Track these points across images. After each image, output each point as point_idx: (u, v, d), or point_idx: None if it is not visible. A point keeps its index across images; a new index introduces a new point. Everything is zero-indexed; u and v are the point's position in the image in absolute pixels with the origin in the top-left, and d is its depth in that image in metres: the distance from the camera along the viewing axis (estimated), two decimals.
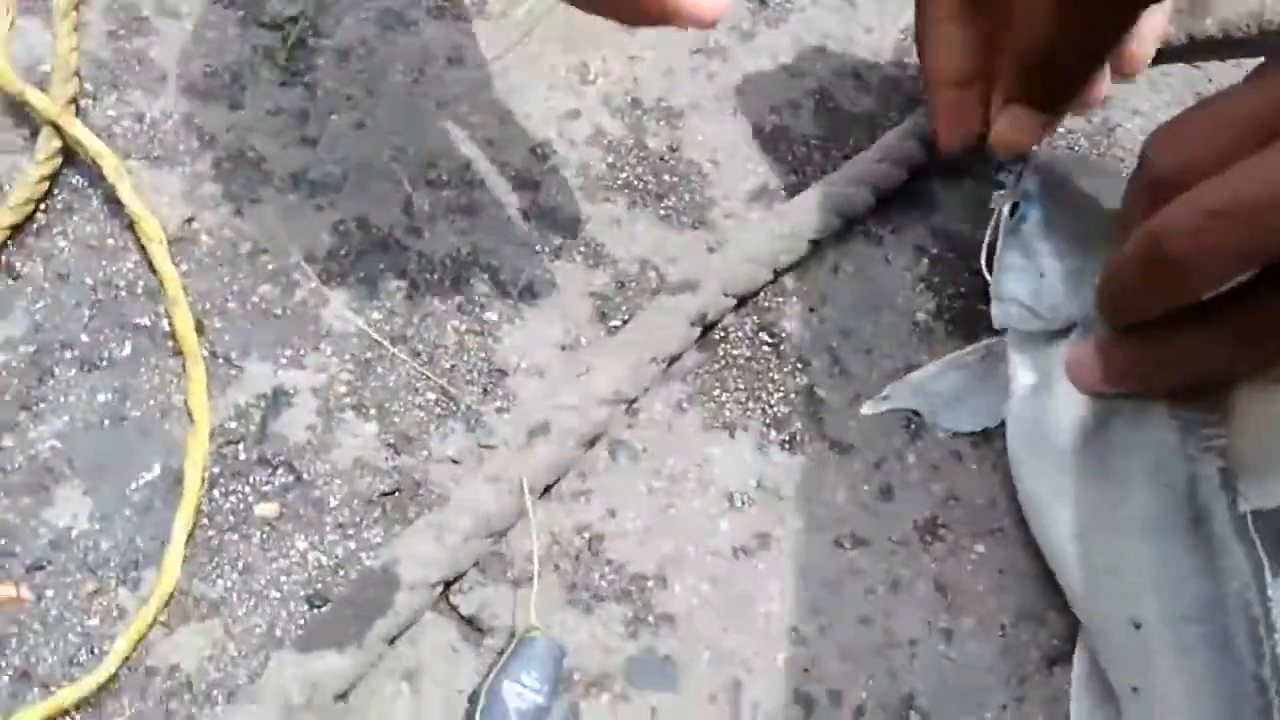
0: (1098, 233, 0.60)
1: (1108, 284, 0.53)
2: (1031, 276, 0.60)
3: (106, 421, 0.53)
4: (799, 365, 0.62)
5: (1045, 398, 0.58)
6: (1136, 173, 0.50)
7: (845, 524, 0.58)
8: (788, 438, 0.60)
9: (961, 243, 0.68)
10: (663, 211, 0.65)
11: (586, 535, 0.55)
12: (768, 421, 0.60)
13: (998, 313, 0.61)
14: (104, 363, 0.54)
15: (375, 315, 0.58)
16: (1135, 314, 0.52)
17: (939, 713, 0.54)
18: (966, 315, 0.65)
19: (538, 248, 0.62)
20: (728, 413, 0.60)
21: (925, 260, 0.67)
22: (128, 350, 0.55)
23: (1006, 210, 0.63)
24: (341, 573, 0.51)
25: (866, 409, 0.61)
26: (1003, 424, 0.61)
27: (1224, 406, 0.54)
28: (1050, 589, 0.58)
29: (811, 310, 0.64)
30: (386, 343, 0.57)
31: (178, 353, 0.54)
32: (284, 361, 0.56)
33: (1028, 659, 0.56)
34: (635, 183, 0.66)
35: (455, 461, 0.55)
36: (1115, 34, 0.50)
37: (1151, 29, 0.58)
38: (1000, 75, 0.56)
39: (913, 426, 0.61)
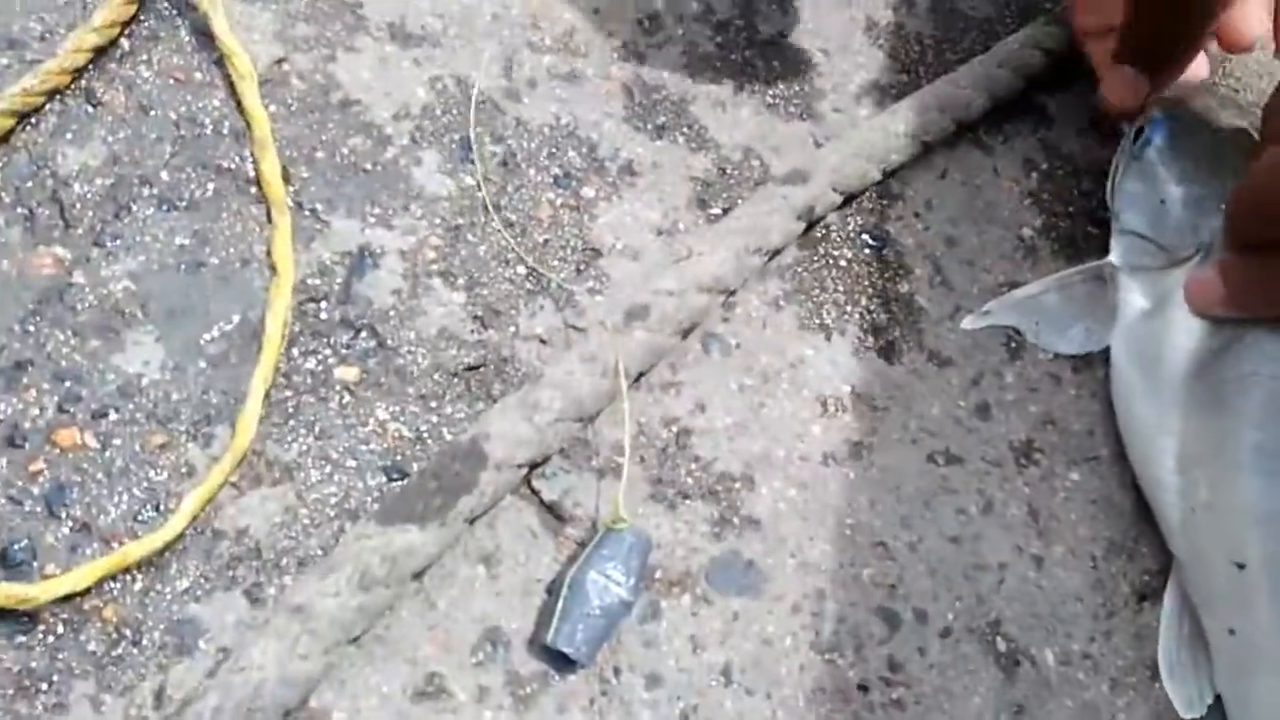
0: (1223, 160, 0.52)
1: (1240, 200, 0.46)
2: (1152, 204, 0.52)
3: (183, 266, 0.45)
4: (900, 271, 0.54)
5: (1157, 325, 0.50)
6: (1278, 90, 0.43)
7: (939, 439, 0.51)
8: (885, 345, 0.52)
9: (1073, 161, 0.59)
10: (770, 99, 0.56)
11: (674, 429, 0.48)
12: (865, 327, 0.52)
13: (1116, 246, 0.53)
14: (184, 203, 0.46)
15: (468, 180, 0.50)
16: (1266, 229, 0.45)
17: (1025, 639, 0.47)
18: (1074, 235, 0.57)
19: (639, 125, 0.53)
20: (825, 314, 0.52)
21: (1035, 175, 0.58)
22: (210, 192, 0.47)
23: (1131, 135, 0.54)
24: (421, 446, 0.44)
25: (968, 323, 0.53)
26: (1105, 350, 0.53)
27: None
28: (1144, 522, 0.51)
29: (917, 216, 0.55)
30: (481, 210, 0.49)
31: (262, 200, 0.46)
32: (372, 220, 0.47)
33: (1117, 592, 0.49)
34: (744, 66, 0.56)
35: (543, 341, 0.47)
36: (1209, 14, 0.47)
37: (1256, 9, 0.51)
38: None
39: (1013, 345, 0.53)
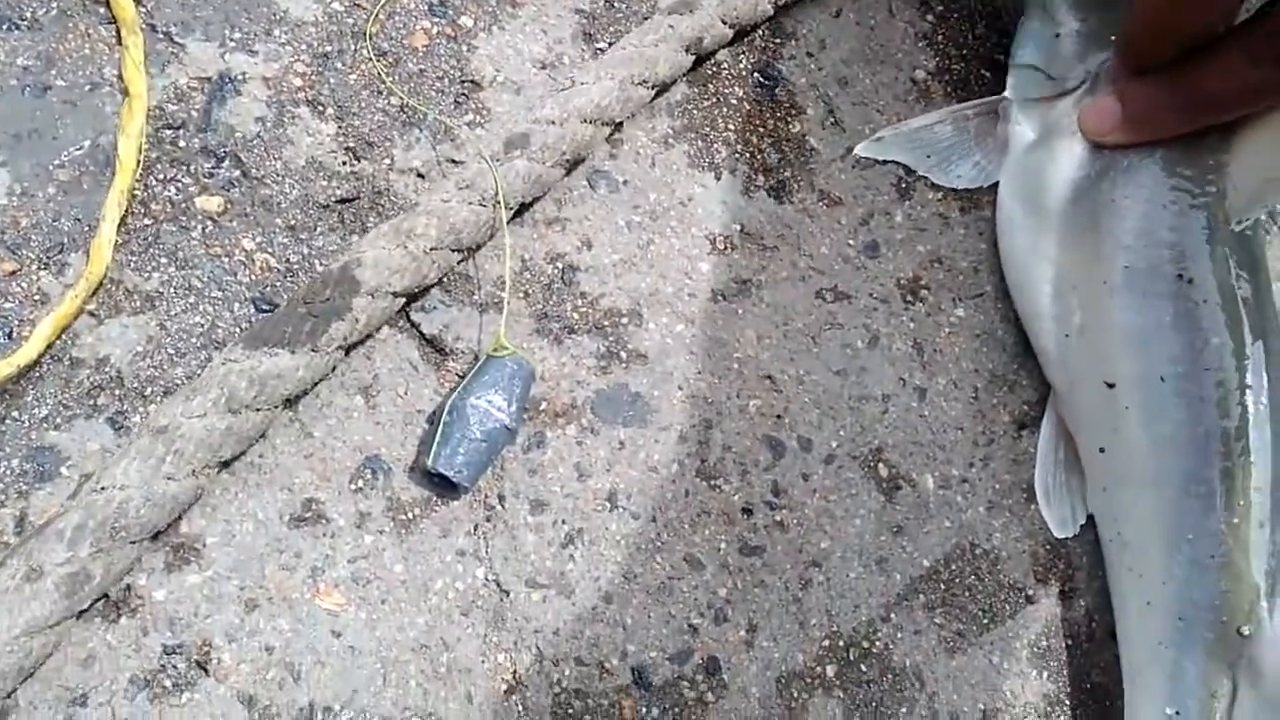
0: None
1: (1133, 23, 0.47)
2: (1048, 37, 0.53)
3: (28, 89, 0.43)
4: (793, 111, 0.54)
5: (1041, 155, 0.52)
6: None
7: (828, 277, 0.52)
8: (776, 184, 0.53)
9: (969, 3, 0.60)
10: None
11: (560, 265, 0.48)
12: (756, 166, 0.53)
13: (1010, 80, 0.54)
14: (25, 22, 0.44)
15: (336, 5, 0.48)
16: (1160, 48, 0.46)
17: (906, 465, 0.50)
18: (967, 78, 0.58)
19: None
20: (715, 153, 0.52)
21: (930, 17, 0.59)
22: (54, 10, 0.45)
23: None
24: (291, 278, 0.43)
25: (861, 149, 0.54)
26: (993, 191, 0.55)
27: (1220, 157, 0.48)
28: (1025, 356, 0.53)
29: (810, 55, 0.56)
30: (351, 37, 0.47)
31: (111, 20, 0.44)
32: (232, 44, 0.46)
33: (997, 421, 0.52)
34: None
35: (420, 175, 0.47)
36: None
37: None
38: None
39: (903, 185, 0.55)
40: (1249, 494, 0.46)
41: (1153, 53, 0.47)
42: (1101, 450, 0.49)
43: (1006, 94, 0.54)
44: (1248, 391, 0.47)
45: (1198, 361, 0.47)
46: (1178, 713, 0.46)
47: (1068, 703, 0.48)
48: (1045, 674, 0.48)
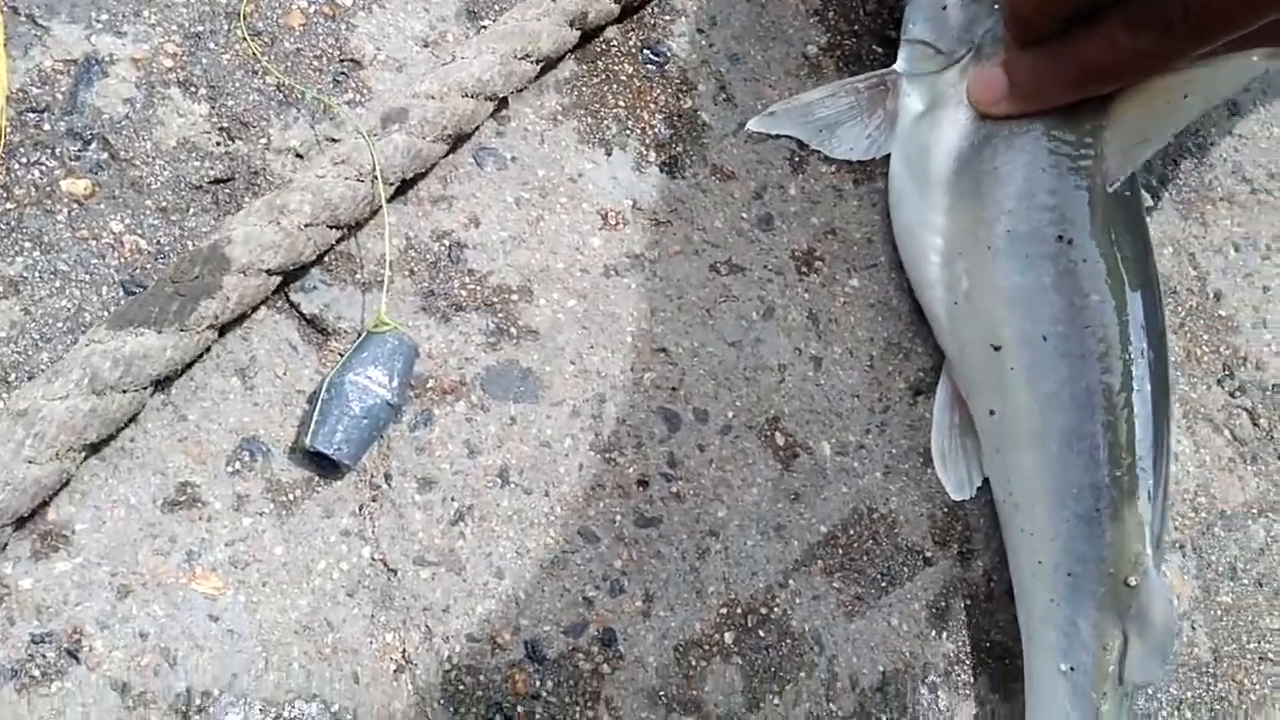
0: None
1: None
2: (935, 10, 0.54)
3: None
4: (684, 87, 0.55)
5: (928, 125, 0.53)
6: None
7: (722, 250, 0.53)
8: (668, 160, 0.53)
9: None
10: None
11: (446, 242, 0.48)
12: (648, 142, 0.53)
13: (901, 54, 0.55)
14: None
15: None
16: (1044, 20, 0.47)
17: (803, 433, 0.50)
18: (859, 53, 0.59)
19: None
20: (606, 129, 0.53)
21: None
22: None
23: None
24: (163, 260, 0.43)
25: (753, 124, 0.55)
26: (886, 160, 0.56)
27: (1097, 123, 0.50)
28: (919, 324, 0.54)
29: (700, 32, 0.56)
30: (223, 16, 0.47)
31: None
32: (98, 25, 0.45)
33: (893, 388, 0.53)
34: None
35: (299, 155, 0.47)
36: None
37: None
38: None
39: (796, 159, 0.56)
40: (1131, 447, 0.47)
41: (1038, 25, 0.48)
42: (992, 413, 0.50)
43: (896, 67, 0.55)
44: (1128, 347, 0.48)
45: (1078, 320, 0.48)
46: (1073, 668, 0.47)
47: (967, 662, 0.49)
48: (945, 634, 0.49)
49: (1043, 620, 0.48)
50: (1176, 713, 0.53)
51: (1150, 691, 0.52)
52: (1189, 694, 0.53)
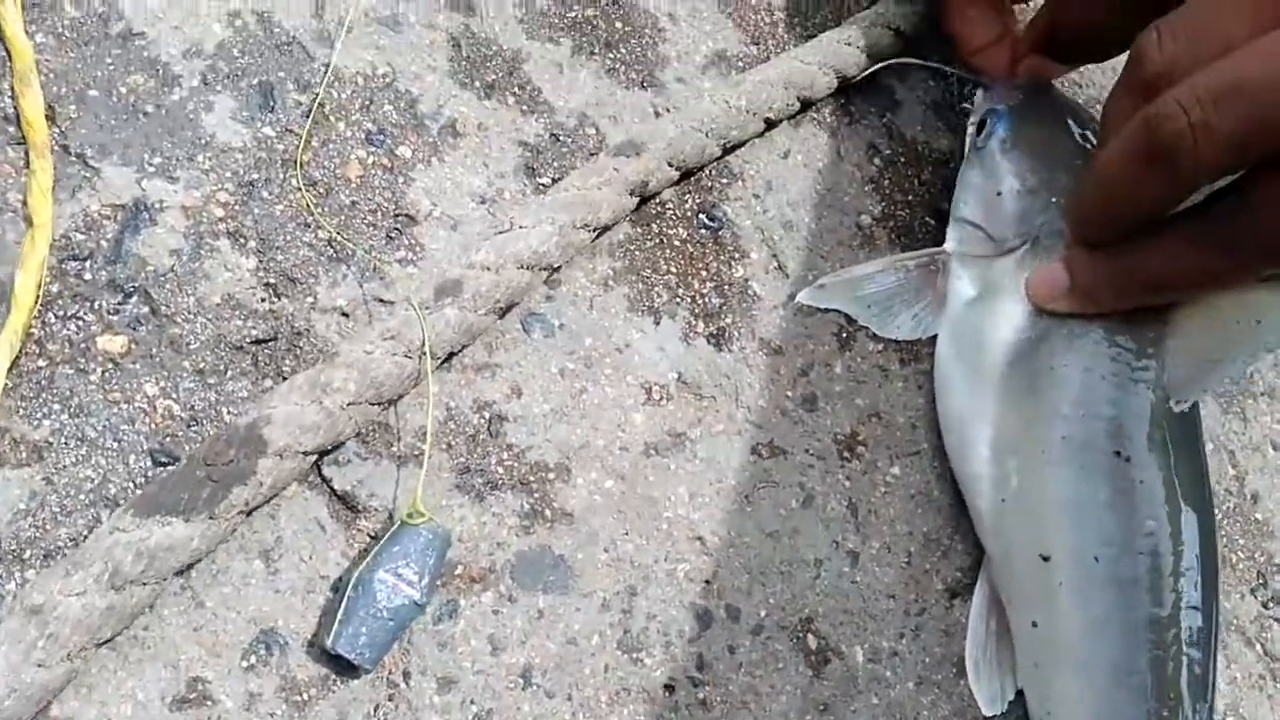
0: (1062, 156, 0.54)
1: (1089, 186, 0.47)
2: (988, 195, 0.54)
3: None
4: (736, 255, 0.54)
5: (980, 313, 0.52)
6: (1127, 69, 0.45)
7: (765, 431, 0.51)
8: (716, 331, 0.52)
9: (916, 148, 0.60)
10: (610, 63, 0.55)
11: (487, 414, 0.47)
12: (697, 311, 0.52)
13: (951, 234, 0.55)
14: None
15: (268, 131, 0.47)
16: (1115, 219, 0.46)
17: (836, 636, 0.49)
18: (911, 225, 0.58)
19: (465, 81, 0.51)
20: (656, 296, 0.52)
21: (878, 160, 0.59)
22: None
23: (974, 127, 0.56)
24: (196, 428, 0.41)
25: (802, 296, 0.54)
26: (933, 342, 0.55)
27: (1160, 331, 0.49)
28: (959, 519, 0.53)
29: (756, 197, 0.55)
30: (280, 165, 0.46)
31: (20, 141, 0.42)
32: (151, 169, 0.44)
33: (930, 588, 0.51)
34: (583, 25, 0.55)
35: (345, 314, 0.45)
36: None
37: None
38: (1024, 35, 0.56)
39: (844, 335, 0.54)
40: (1179, 686, 0.46)
41: (1103, 228, 0.48)
42: (1034, 624, 0.49)
43: (946, 247, 0.54)
44: (1181, 578, 0.47)
45: (1131, 543, 0.47)
46: None
47: None
48: None
49: None
50: None
51: None
52: None
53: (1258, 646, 0.58)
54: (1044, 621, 0.48)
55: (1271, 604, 0.59)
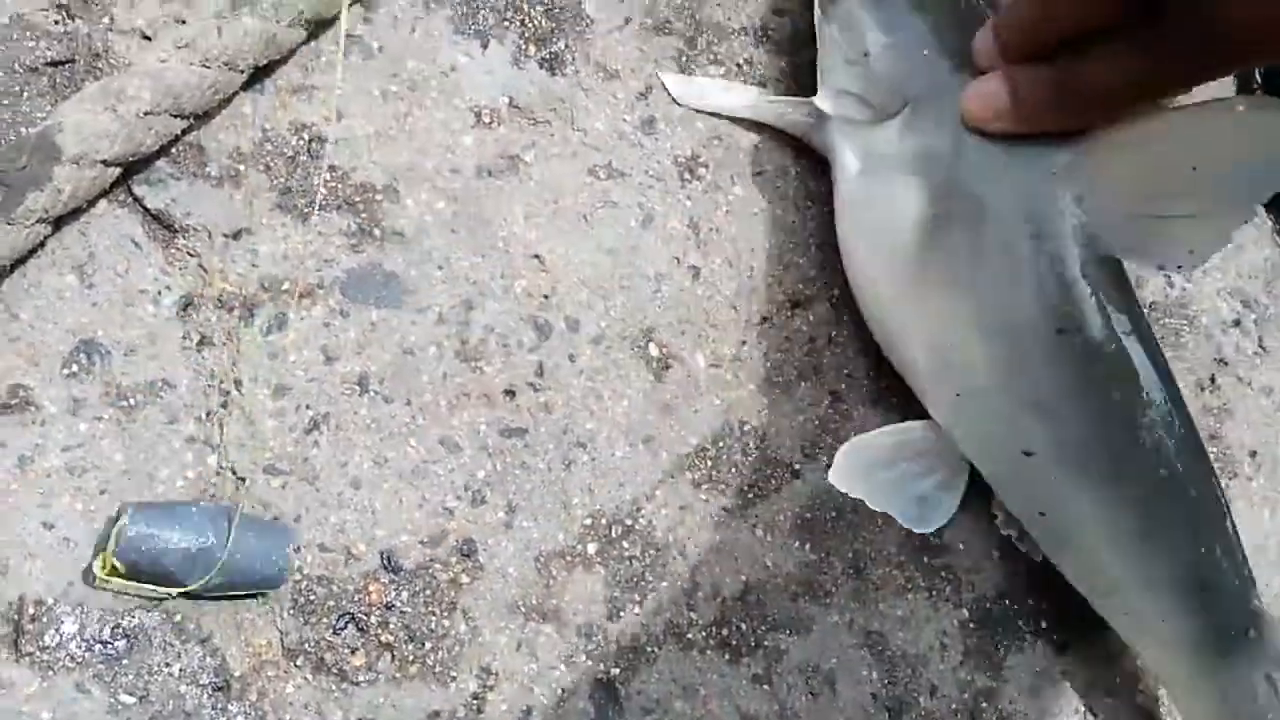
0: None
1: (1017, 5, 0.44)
2: (855, 56, 0.49)
3: None
4: None
5: (876, 191, 0.49)
6: None
7: (603, 153, 0.52)
8: (549, 55, 0.52)
9: None
10: None
11: (306, 136, 0.47)
12: (527, 35, 0.52)
13: (824, 97, 0.51)
14: None
15: None
16: (1054, 22, 0.44)
17: (677, 345, 0.51)
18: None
19: None
20: (482, 19, 0.51)
21: None
22: None
23: None
24: None
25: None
26: (772, 66, 0.55)
27: (1083, 186, 0.45)
28: (801, 232, 0.55)
29: None
30: None
31: None
32: None
33: (773, 299, 0.54)
34: None
35: (147, 36, 0.45)
36: None
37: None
38: None
39: (684, 58, 0.55)
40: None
41: (1038, 38, 0.45)
42: (1042, 514, 0.49)
43: (820, 105, 0.51)
44: (1173, 437, 0.47)
45: (1110, 421, 0.47)
46: None
47: (827, 572, 0.51)
48: (808, 546, 0.51)
49: None
50: None
51: None
52: None
53: None
54: (1051, 510, 0.49)
55: None
